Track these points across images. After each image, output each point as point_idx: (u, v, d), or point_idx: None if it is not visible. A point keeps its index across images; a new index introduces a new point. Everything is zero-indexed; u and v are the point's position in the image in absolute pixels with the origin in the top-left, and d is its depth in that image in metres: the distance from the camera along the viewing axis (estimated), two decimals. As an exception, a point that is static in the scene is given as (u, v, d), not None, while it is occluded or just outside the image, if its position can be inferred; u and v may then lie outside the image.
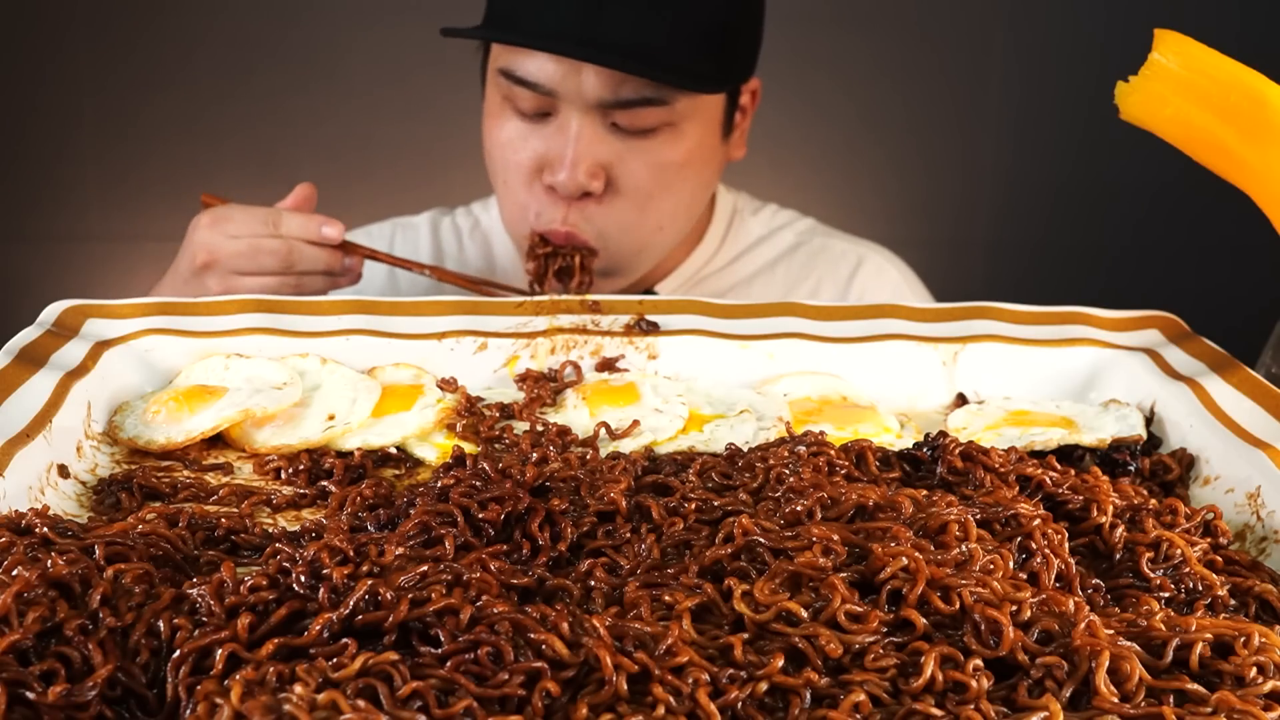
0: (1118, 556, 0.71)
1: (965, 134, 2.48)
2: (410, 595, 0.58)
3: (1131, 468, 0.87)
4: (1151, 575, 0.69)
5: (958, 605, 0.59)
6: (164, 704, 0.55)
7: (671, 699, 0.53)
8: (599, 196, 1.25)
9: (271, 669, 0.52)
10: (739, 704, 0.54)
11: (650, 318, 1.03)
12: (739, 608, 0.60)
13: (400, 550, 0.63)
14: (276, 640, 0.55)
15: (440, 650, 0.55)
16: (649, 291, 1.36)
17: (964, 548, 0.64)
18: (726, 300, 1.07)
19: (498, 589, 0.61)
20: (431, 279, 1.27)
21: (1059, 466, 0.79)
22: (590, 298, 1.06)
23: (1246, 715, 0.54)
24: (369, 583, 0.58)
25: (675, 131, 1.26)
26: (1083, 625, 0.58)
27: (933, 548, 0.64)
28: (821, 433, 0.85)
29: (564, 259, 1.26)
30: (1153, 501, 0.76)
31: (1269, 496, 0.77)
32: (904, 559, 0.61)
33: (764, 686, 0.55)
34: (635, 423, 0.90)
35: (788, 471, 0.75)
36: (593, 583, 0.65)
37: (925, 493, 0.72)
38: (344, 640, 0.55)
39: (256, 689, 0.51)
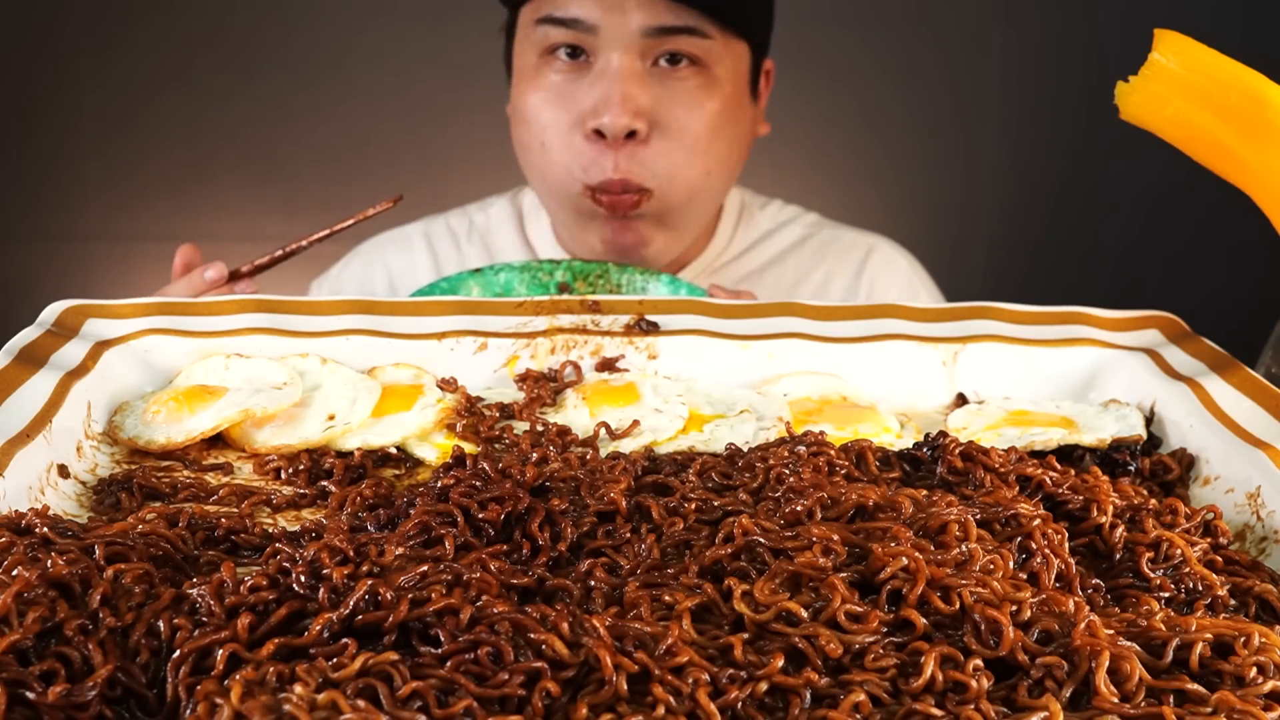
0: (1118, 556, 0.71)
1: (966, 133, 2.48)
2: (410, 595, 0.57)
3: (1131, 468, 0.86)
4: (1151, 575, 0.69)
5: (958, 605, 0.59)
6: (164, 704, 0.55)
7: (671, 699, 0.53)
8: (645, 139, 1.28)
9: (271, 669, 0.52)
10: (739, 704, 0.54)
11: (650, 318, 1.03)
12: (739, 608, 0.60)
13: (400, 550, 0.63)
14: (276, 640, 0.55)
15: (440, 650, 0.55)
16: None
17: (964, 548, 0.64)
18: (726, 300, 1.07)
19: (498, 589, 0.61)
20: (312, 244, 1.23)
21: (1059, 466, 0.79)
22: (590, 298, 1.06)
23: (1246, 715, 0.54)
24: (369, 583, 0.58)
25: (710, 79, 1.30)
26: (1083, 625, 0.58)
27: (933, 548, 0.64)
28: (821, 433, 0.85)
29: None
30: (1153, 501, 0.76)
31: (1269, 496, 0.77)
32: (904, 559, 0.61)
33: (764, 686, 0.55)
34: (635, 423, 0.90)
35: (788, 471, 0.75)
36: (593, 583, 0.65)
37: (925, 493, 0.72)
38: (344, 640, 0.55)
39: (256, 689, 0.51)
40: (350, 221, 1.19)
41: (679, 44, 1.28)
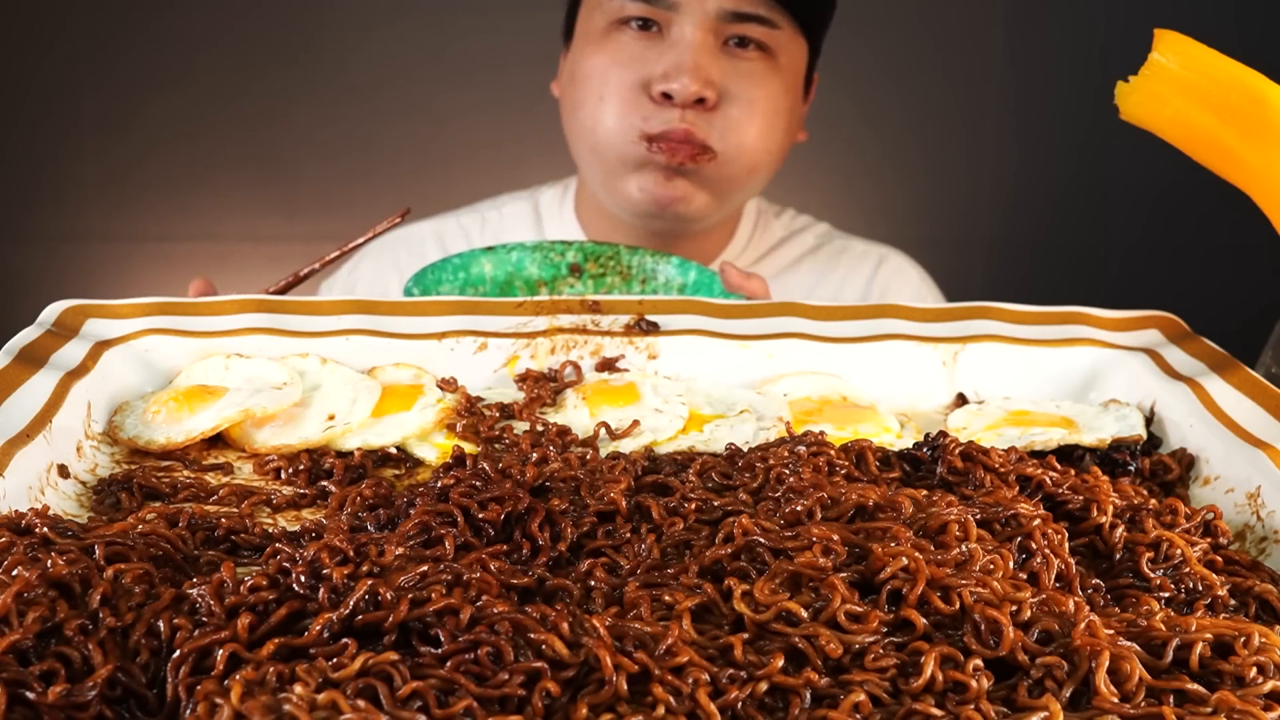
0: (1118, 556, 0.71)
1: (967, 133, 2.48)
2: (410, 595, 0.58)
3: (1131, 468, 0.86)
4: (1151, 575, 0.69)
5: (958, 605, 0.59)
6: (164, 704, 0.55)
7: (671, 699, 0.53)
8: (714, 106, 1.31)
9: (271, 669, 0.52)
10: (739, 704, 0.54)
11: (650, 318, 1.03)
12: (739, 608, 0.60)
13: (400, 550, 0.63)
14: (276, 640, 0.55)
15: (440, 650, 0.55)
16: None
17: (964, 548, 0.64)
18: (732, 295, 1.07)
19: (498, 589, 0.61)
20: (325, 265, 1.22)
21: (1059, 466, 0.79)
22: (590, 298, 1.06)
23: (1246, 715, 0.54)
24: (369, 583, 0.58)
25: (775, 65, 1.35)
26: (1083, 625, 0.58)
27: (933, 548, 0.64)
28: (821, 433, 0.85)
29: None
30: (1153, 501, 0.76)
31: (1269, 496, 0.77)
32: (904, 559, 0.61)
33: (764, 686, 0.55)
34: (635, 423, 0.90)
35: (788, 471, 0.75)
36: (593, 583, 0.65)
37: (925, 493, 0.72)
38: (344, 640, 0.55)
39: (256, 689, 0.51)
40: (360, 240, 1.19)
41: (749, 29, 1.32)
